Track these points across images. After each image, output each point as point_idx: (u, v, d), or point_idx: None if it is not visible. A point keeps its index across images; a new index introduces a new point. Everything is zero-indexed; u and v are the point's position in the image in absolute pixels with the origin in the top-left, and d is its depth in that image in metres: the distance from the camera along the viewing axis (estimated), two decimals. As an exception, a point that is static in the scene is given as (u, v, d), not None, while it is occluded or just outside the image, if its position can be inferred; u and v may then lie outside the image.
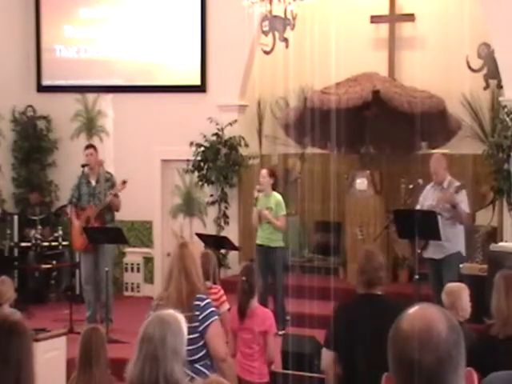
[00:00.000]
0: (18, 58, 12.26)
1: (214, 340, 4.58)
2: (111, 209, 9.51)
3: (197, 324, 4.53)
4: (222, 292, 6.79)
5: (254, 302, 6.04)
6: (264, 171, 9.27)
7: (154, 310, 4.66)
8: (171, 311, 3.47)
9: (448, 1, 11.21)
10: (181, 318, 3.39)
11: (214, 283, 6.94)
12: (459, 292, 5.44)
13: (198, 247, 5.01)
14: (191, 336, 4.47)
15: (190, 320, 4.46)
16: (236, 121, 11.27)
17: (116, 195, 9.37)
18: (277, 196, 9.21)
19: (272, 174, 9.25)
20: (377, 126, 10.61)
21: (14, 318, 2.65)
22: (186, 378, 3.39)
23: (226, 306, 6.61)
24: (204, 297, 4.66)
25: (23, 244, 11.13)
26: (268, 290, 8.76)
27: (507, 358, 4.02)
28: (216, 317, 4.66)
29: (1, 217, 11.37)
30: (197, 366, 4.53)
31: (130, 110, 11.78)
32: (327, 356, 4.75)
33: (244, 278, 6.01)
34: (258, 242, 9.22)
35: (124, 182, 9.32)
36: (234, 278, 9.37)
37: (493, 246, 8.84)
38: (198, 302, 4.57)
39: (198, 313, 4.56)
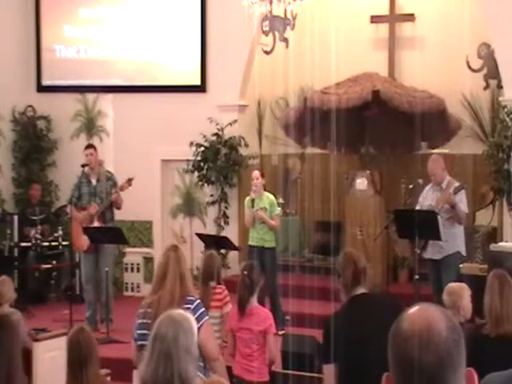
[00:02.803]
0: (18, 57, 12.26)
1: (206, 341, 4.55)
2: (112, 207, 9.52)
3: None
4: (226, 292, 6.80)
5: (254, 300, 6.03)
6: (257, 172, 9.27)
7: (142, 318, 4.63)
8: (181, 311, 3.47)
9: (448, 1, 11.20)
10: (191, 317, 3.40)
11: (218, 283, 6.95)
12: (461, 292, 5.44)
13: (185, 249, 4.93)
14: None
15: None
16: (236, 121, 11.27)
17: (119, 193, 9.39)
18: (270, 196, 9.22)
19: (262, 174, 9.27)
20: (377, 125, 10.61)
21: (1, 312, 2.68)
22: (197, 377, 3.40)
23: (230, 306, 6.61)
24: (193, 299, 4.62)
25: (23, 244, 11.11)
26: (264, 290, 8.75)
27: (499, 357, 4.02)
28: (206, 317, 4.62)
29: (1, 217, 11.36)
30: None
31: (130, 110, 11.78)
32: (329, 370, 4.51)
33: (245, 273, 6.01)
34: (252, 243, 9.19)
35: (130, 180, 9.31)
36: (234, 277, 9.37)
37: (493, 246, 8.84)
38: (187, 306, 4.50)
39: None
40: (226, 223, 11.28)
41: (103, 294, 9.29)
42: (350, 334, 4.33)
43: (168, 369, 3.18)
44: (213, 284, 6.82)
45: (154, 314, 4.28)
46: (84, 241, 9.29)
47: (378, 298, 4.75)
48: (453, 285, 5.66)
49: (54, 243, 11.17)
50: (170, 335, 3.22)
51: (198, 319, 4.49)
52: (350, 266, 4.58)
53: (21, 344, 2.65)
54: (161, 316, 3.38)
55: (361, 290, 4.55)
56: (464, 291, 5.46)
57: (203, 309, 4.64)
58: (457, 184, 8.33)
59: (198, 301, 4.65)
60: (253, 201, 9.06)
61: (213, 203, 11.36)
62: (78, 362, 4.41)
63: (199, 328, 4.47)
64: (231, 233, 10.72)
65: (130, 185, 9.33)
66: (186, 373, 3.20)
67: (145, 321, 4.56)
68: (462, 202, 8.25)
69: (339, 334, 4.37)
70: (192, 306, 4.53)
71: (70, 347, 4.50)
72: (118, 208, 9.54)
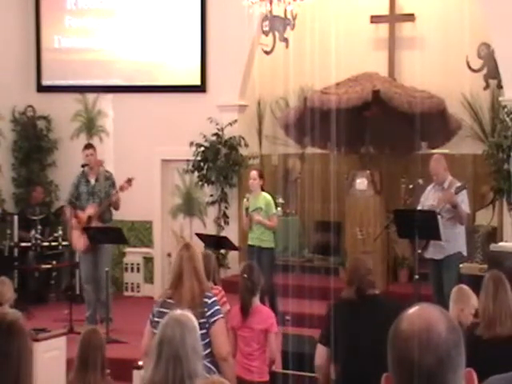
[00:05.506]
0: (18, 57, 12.26)
1: (218, 337, 4.63)
2: (110, 207, 9.50)
3: (204, 320, 4.58)
4: (222, 293, 6.79)
5: (256, 300, 6.04)
6: (254, 173, 9.28)
7: (160, 306, 4.70)
8: (183, 311, 3.50)
9: (448, 1, 11.21)
10: (192, 316, 3.44)
11: (215, 284, 6.94)
12: (472, 294, 5.47)
13: (197, 246, 5.08)
14: (200, 332, 4.50)
15: (199, 316, 4.49)
16: (236, 121, 11.27)
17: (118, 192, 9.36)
18: (266, 196, 9.23)
19: (261, 175, 9.28)
20: (377, 125, 10.61)
21: (12, 316, 2.65)
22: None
23: (227, 307, 6.61)
24: (211, 295, 4.76)
25: (23, 244, 11.10)
26: (263, 290, 8.75)
27: (489, 359, 4.00)
28: (221, 315, 4.74)
29: (1, 217, 11.36)
30: (204, 362, 4.55)
31: (130, 110, 11.78)
32: (322, 351, 4.90)
33: (245, 276, 6.02)
34: (250, 242, 9.26)
35: (129, 180, 9.26)
36: (234, 277, 9.37)
37: (493, 246, 8.84)
38: (205, 300, 4.66)
39: (205, 309, 4.62)
40: (226, 223, 11.28)
41: (102, 294, 9.28)
42: (347, 329, 4.41)
43: (178, 370, 3.21)
44: (210, 285, 6.80)
45: (175, 308, 4.34)
46: (82, 241, 9.28)
47: (385, 301, 4.86)
48: (465, 287, 5.64)
49: (53, 243, 11.16)
50: (178, 337, 3.26)
51: (213, 315, 4.62)
52: (356, 273, 4.83)
53: (30, 352, 2.63)
54: (164, 318, 3.41)
55: (370, 292, 4.71)
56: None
57: (218, 306, 4.76)
58: (458, 184, 8.32)
59: (215, 298, 4.80)
60: (247, 209, 9.10)
61: (213, 203, 11.36)
62: (87, 362, 4.44)
63: (212, 323, 4.55)
64: (231, 233, 10.72)
65: (130, 185, 9.29)
66: (196, 372, 3.24)
67: (163, 310, 4.59)
68: (464, 202, 8.24)
69: (338, 324, 4.45)
70: (209, 301, 4.67)
71: (80, 347, 4.53)
72: (116, 209, 9.53)
